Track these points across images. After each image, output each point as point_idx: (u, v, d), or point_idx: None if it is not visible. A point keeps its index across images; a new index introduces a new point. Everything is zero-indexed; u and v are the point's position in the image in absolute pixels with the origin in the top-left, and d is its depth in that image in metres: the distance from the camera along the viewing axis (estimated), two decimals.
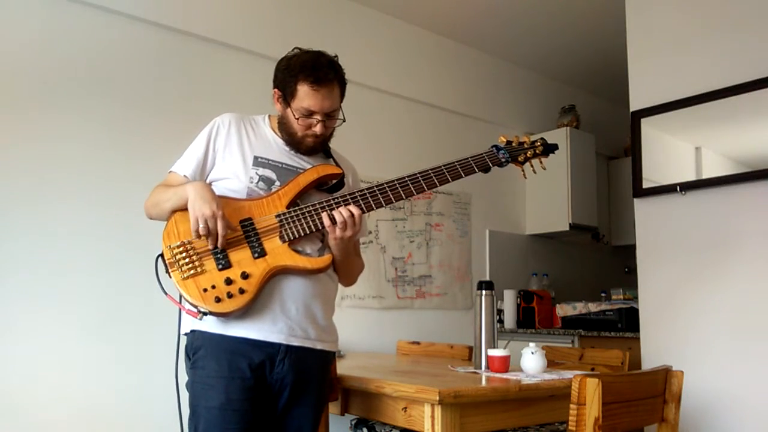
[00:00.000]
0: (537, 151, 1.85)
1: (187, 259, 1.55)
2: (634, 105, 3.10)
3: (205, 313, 1.52)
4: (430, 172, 1.71)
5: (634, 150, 3.09)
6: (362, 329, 3.33)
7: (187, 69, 2.84)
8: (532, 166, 1.85)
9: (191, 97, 2.78)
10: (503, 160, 1.79)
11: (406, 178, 1.70)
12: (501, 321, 3.85)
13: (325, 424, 2.10)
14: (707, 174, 2.84)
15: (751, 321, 2.60)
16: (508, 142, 1.84)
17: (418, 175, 1.70)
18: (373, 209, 1.68)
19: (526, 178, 1.89)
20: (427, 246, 3.69)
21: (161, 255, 1.58)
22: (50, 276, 2.38)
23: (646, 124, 3.05)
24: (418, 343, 3.16)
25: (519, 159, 1.83)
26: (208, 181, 1.70)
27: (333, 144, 1.89)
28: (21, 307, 2.31)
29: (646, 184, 3.01)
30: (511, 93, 4.31)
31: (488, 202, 4.07)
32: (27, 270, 2.34)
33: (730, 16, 2.78)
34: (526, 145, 1.84)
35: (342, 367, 2.17)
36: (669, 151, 3.03)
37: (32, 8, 2.45)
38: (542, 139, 1.87)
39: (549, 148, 1.87)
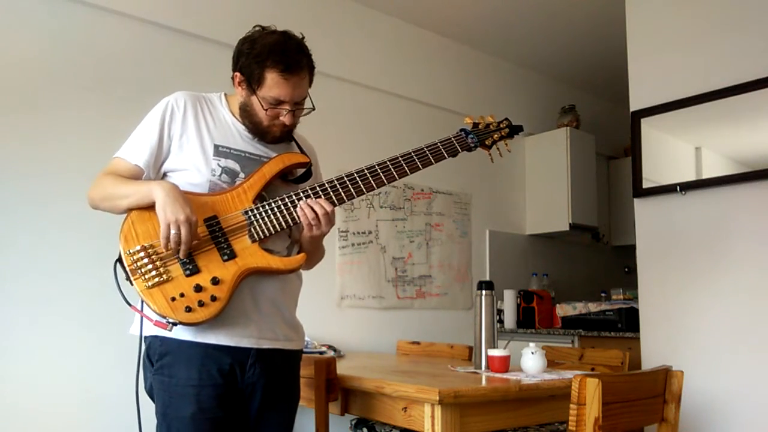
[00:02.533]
0: (503, 134, 1.79)
1: (150, 266, 1.43)
2: (634, 105, 3.10)
3: (174, 324, 1.40)
4: (399, 158, 1.63)
5: (634, 150, 3.09)
6: (362, 329, 3.33)
7: (188, 69, 2.83)
8: (498, 149, 1.80)
9: None
10: (472, 144, 1.73)
11: (376, 166, 1.61)
12: (501, 321, 3.85)
13: (325, 424, 2.10)
14: (707, 174, 2.84)
15: (751, 321, 2.60)
16: (475, 125, 1.78)
17: (387, 162, 1.62)
18: (344, 201, 1.59)
19: (493, 161, 1.82)
20: (427, 246, 3.69)
21: (120, 260, 1.45)
22: (50, 276, 2.38)
23: (646, 124, 3.05)
24: (418, 343, 3.16)
25: (486, 143, 1.76)
26: (163, 171, 1.57)
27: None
28: (20, 306, 2.31)
29: (646, 184, 3.02)
30: (511, 93, 4.31)
31: (488, 202, 4.07)
32: (27, 270, 2.34)
33: (730, 16, 2.79)
34: (492, 127, 1.78)
35: (342, 367, 2.17)
36: (669, 151, 3.03)
37: (32, 8, 2.45)
38: (507, 119, 1.83)
39: (514, 129, 1.81)
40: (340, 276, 3.26)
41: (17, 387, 2.27)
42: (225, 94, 1.69)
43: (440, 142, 1.70)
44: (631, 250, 3.35)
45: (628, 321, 3.29)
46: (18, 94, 2.39)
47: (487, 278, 3.86)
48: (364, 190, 1.60)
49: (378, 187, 1.61)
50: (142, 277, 1.42)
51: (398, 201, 3.56)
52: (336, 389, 2.05)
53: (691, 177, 2.87)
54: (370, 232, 3.42)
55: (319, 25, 3.30)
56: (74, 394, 2.38)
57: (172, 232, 1.40)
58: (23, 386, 2.29)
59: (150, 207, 1.46)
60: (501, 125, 1.79)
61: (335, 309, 3.22)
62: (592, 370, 2.52)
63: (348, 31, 3.45)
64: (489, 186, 4.05)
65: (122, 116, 2.61)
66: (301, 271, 1.68)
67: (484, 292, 2.22)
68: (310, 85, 1.59)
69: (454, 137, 1.72)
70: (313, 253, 1.69)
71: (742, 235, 2.66)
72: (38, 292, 2.35)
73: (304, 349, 1.79)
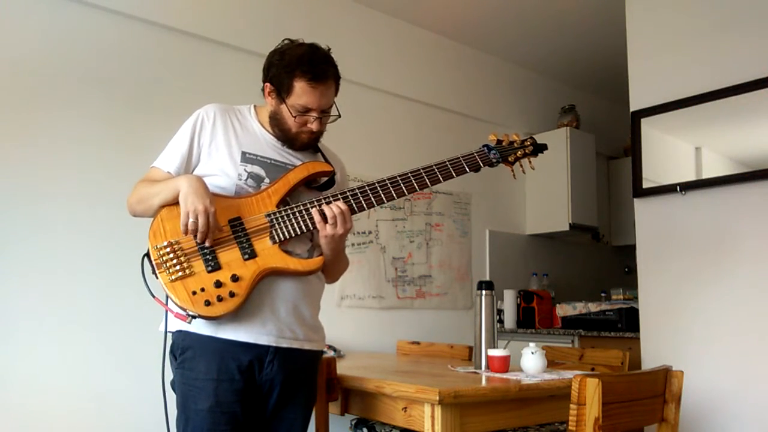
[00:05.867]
0: (527, 151, 1.81)
1: (174, 260, 1.51)
2: (634, 105, 3.11)
3: (194, 317, 1.47)
4: (421, 171, 1.68)
5: (634, 150, 3.09)
6: (362, 329, 3.33)
7: (187, 69, 2.84)
8: (521, 166, 1.82)
9: (192, 96, 2.77)
10: (494, 159, 1.76)
11: (398, 178, 1.66)
12: (501, 321, 3.85)
13: (324, 424, 2.10)
14: (707, 174, 2.84)
15: (750, 321, 2.60)
16: (499, 141, 1.80)
17: (409, 174, 1.67)
18: (364, 209, 1.64)
19: (515, 178, 1.86)
20: (427, 246, 3.69)
21: (147, 255, 1.53)
22: (51, 275, 2.38)
23: (646, 124, 3.05)
24: (418, 343, 3.16)
25: (509, 159, 1.79)
26: None
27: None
28: (21, 306, 2.31)
29: (646, 184, 3.02)
30: (511, 93, 4.31)
31: (488, 202, 4.07)
32: (27, 269, 2.34)
33: (730, 16, 2.78)
34: (516, 145, 1.80)
35: (342, 367, 2.17)
36: (669, 151, 3.03)
37: (32, 8, 2.45)
38: (531, 138, 1.85)
39: (538, 148, 1.83)
40: None
41: (23, 386, 2.28)
42: (254, 106, 1.77)
43: (463, 157, 1.73)
44: (631, 250, 3.34)
45: (628, 321, 3.29)
46: (18, 94, 2.39)
47: (487, 278, 3.86)
48: (384, 199, 1.65)
49: (398, 197, 1.67)
50: (167, 271, 1.50)
51: (398, 201, 3.56)
52: (336, 389, 2.05)
53: (691, 177, 2.87)
54: (370, 232, 3.42)
55: (319, 25, 3.30)
56: (79, 394, 2.39)
57: (191, 220, 1.49)
58: (28, 386, 2.29)
59: (179, 203, 1.53)
60: (525, 143, 1.82)
61: (335, 309, 3.22)
62: (592, 370, 2.52)
63: (348, 31, 3.45)
64: (489, 186, 4.05)
65: (123, 116, 2.63)
66: (322, 274, 1.73)
67: (484, 292, 2.22)
68: (336, 95, 1.67)
69: (476, 153, 1.75)
70: (335, 262, 1.74)
71: (742, 235, 2.66)
72: (39, 292, 2.35)
73: None
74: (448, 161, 1.71)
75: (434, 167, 1.69)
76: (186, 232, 1.50)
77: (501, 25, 3.82)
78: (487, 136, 1.85)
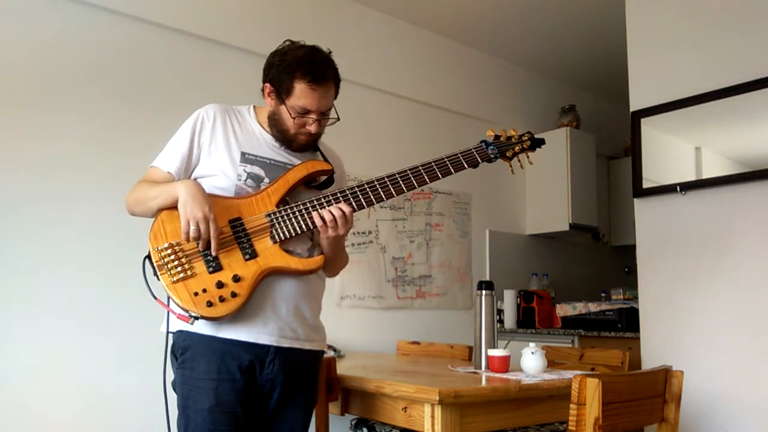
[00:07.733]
0: (525, 146, 1.82)
1: (176, 262, 1.51)
2: (634, 105, 3.11)
3: (196, 318, 1.48)
4: (419, 167, 1.68)
5: (634, 150, 3.09)
6: (362, 329, 3.33)
7: (188, 69, 2.84)
8: (519, 161, 1.83)
9: (192, 96, 2.78)
10: (492, 155, 1.76)
11: (396, 175, 1.66)
12: (501, 321, 3.85)
13: (324, 424, 2.10)
14: (707, 174, 2.84)
15: (750, 320, 2.60)
16: (496, 137, 1.81)
17: (408, 171, 1.67)
18: (364, 207, 1.65)
19: (513, 173, 1.87)
20: (427, 246, 3.69)
21: (148, 257, 1.54)
22: (51, 275, 2.38)
23: (646, 124, 3.05)
24: (418, 343, 3.16)
25: (507, 154, 1.80)
26: (193, 177, 1.66)
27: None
28: (21, 306, 2.31)
29: (646, 184, 3.02)
30: (511, 93, 4.31)
31: (488, 202, 4.07)
32: (27, 269, 2.33)
33: (731, 15, 2.78)
34: (514, 140, 1.81)
35: (342, 367, 2.17)
36: (669, 151, 3.03)
37: (32, 8, 2.45)
38: (529, 133, 1.85)
39: (536, 143, 1.84)
40: (340, 276, 3.24)
41: (23, 387, 2.28)
42: (254, 106, 1.77)
43: (461, 153, 1.73)
44: (631, 250, 3.34)
45: (628, 321, 3.29)
46: (17, 94, 2.39)
47: (487, 278, 3.86)
48: (383, 197, 1.65)
49: (397, 195, 1.67)
50: (168, 273, 1.51)
51: (398, 201, 3.56)
52: (336, 389, 2.06)
53: (691, 177, 2.87)
54: (370, 232, 3.42)
55: (319, 25, 3.30)
56: (80, 394, 2.39)
57: (192, 227, 1.49)
58: (28, 386, 2.29)
59: (177, 206, 1.53)
60: (523, 138, 1.83)
61: (335, 309, 3.22)
62: (592, 370, 2.52)
63: (348, 31, 3.45)
64: (489, 186, 4.05)
65: (123, 116, 2.63)
66: (323, 273, 1.74)
67: (484, 292, 2.23)
68: (335, 97, 1.68)
69: (474, 149, 1.75)
70: (336, 259, 1.76)
71: (742, 235, 2.66)
72: (40, 292, 2.35)
73: None
74: (446, 158, 1.71)
75: (432, 164, 1.69)
76: (187, 240, 1.51)
77: (501, 25, 3.82)
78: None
